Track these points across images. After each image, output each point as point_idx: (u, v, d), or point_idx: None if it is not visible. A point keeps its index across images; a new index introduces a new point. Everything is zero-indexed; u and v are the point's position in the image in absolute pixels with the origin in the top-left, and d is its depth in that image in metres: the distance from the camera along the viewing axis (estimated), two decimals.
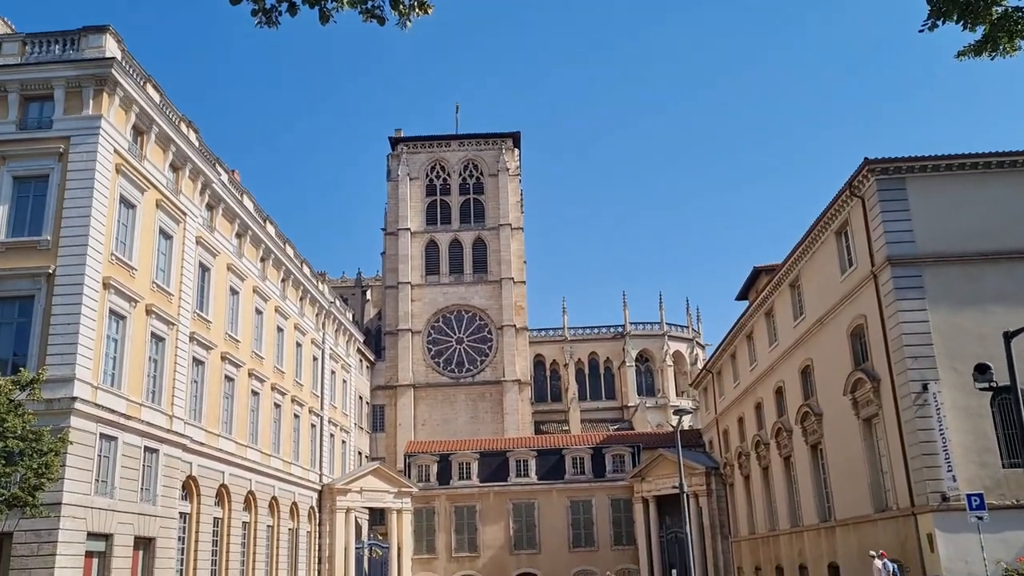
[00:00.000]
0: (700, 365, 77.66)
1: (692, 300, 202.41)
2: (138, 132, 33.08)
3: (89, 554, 27.80)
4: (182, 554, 35.22)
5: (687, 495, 29.94)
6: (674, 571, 56.34)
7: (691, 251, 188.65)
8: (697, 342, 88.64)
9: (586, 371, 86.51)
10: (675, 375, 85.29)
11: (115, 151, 30.70)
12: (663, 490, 56.70)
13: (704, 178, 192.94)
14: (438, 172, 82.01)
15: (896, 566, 27.54)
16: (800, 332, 38.22)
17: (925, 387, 27.22)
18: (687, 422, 67.91)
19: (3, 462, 21.91)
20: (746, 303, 49.39)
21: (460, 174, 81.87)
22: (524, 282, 79.34)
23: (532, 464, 62.61)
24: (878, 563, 27.57)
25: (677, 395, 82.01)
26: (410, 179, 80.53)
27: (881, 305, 29.37)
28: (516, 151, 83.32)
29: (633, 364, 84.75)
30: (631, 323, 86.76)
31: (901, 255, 28.77)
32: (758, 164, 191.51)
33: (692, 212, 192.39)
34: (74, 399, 26.88)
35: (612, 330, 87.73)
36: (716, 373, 57.38)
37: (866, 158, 29.50)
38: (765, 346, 44.30)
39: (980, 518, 22.72)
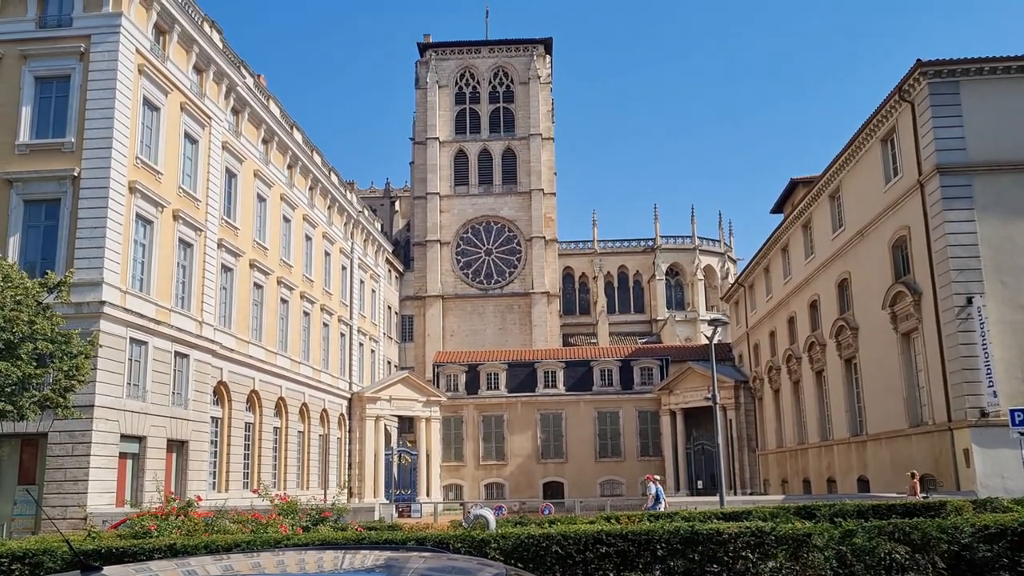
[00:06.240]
0: (731, 280, 76.78)
1: (725, 214, 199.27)
2: (160, 31, 32.19)
3: (123, 455, 28.24)
4: (215, 457, 35.78)
5: (716, 408, 29.61)
6: (700, 482, 56.86)
7: (725, 164, 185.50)
8: (729, 256, 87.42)
9: (615, 284, 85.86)
10: (705, 289, 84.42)
11: (137, 51, 29.90)
12: (691, 403, 56.71)
13: (740, 90, 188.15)
14: (467, 80, 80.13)
15: (659, 488, 32.02)
16: (838, 244, 37.23)
17: (969, 300, 26.38)
18: (716, 336, 67.59)
19: (34, 364, 21.91)
20: (781, 216, 48.26)
21: (490, 82, 79.92)
22: (554, 193, 78.14)
23: (560, 375, 62.77)
24: (650, 485, 32.06)
25: (707, 309, 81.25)
26: (439, 87, 78.78)
27: (927, 216, 28.29)
28: (547, 58, 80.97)
29: (663, 278, 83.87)
30: (662, 236, 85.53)
31: (951, 163, 27.54)
32: (796, 77, 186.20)
33: (727, 124, 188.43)
34: (103, 303, 26.85)
35: (642, 243, 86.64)
36: (748, 287, 56.62)
37: (919, 60, 28.00)
38: (801, 259, 43.37)
39: (1023, 434, 22.15)
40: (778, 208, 49.68)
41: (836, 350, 37.97)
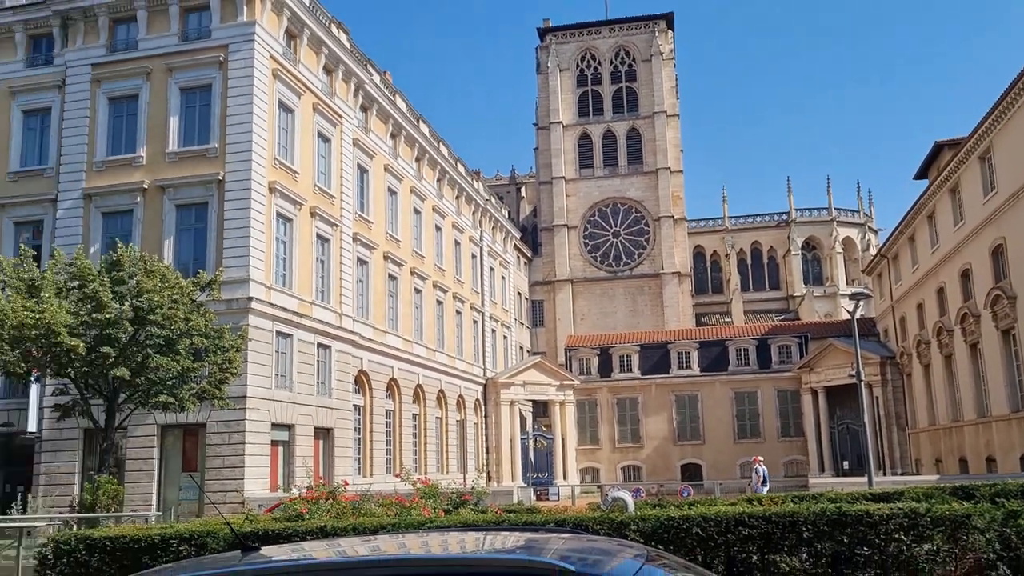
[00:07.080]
0: (872, 251, 73.31)
1: (864, 183, 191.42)
2: (291, 36, 33.47)
3: (274, 443, 29.73)
4: (358, 443, 37.15)
5: (861, 385, 28.43)
6: (846, 463, 54.78)
7: (862, 131, 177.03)
8: (869, 227, 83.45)
9: (748, 261, 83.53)
10: (845, 262, 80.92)
11: (270, 56, 31.23)
12: (833, 380, 54.66)
13: (875, 50, 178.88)
14: (588, 61, 79.55)
15: (765, 469, 33.74)
16: (991, 209, 34.91)
17: None
18: (858, 311, 64.86)
19: (191, 358, 23.40)
20: (926, 182, 45.69)
21: (611, 62, 79.04)
22: (681, 171, 76.71)
23: (694, 356, 61.77)
24: (757, 468, 33.87)
25: (847, 283, 77.95)
26: (560, 71, 78.59)
27: None
28: (669, 33, 79.41)
29: (799, 252, 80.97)
30: (796, 209, 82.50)
31: None
32: (936, 31, 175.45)
33: (863, 87, 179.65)
34: (250, 299, 28.29)
35: (776, 217, 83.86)
36: (892, 258, 53.95)
37: None
38: (949, 226, 40.94)
39: None
40: (922, 174, 47.06)
41: (992, 321, 35.69)
